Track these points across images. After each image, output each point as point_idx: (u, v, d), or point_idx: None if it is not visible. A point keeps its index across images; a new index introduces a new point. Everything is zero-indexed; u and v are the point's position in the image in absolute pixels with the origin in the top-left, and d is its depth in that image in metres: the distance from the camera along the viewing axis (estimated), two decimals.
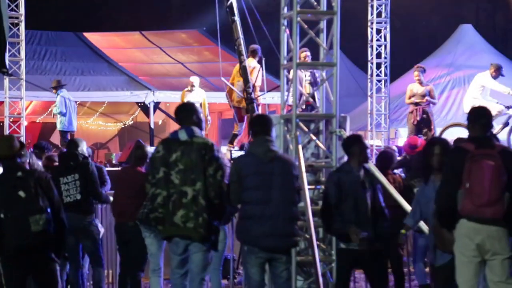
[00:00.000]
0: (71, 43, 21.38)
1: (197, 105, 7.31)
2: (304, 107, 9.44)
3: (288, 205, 6.31)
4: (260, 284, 6.36)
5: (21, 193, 5.94)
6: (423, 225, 7.06)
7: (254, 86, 11.84)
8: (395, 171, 8.96)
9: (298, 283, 7.03)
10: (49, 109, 18.24)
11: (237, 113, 12.61)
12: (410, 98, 14.19)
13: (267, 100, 16.24)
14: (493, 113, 13.61)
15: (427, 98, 13.93)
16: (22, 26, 15.34)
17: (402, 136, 16.22)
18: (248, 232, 6.28)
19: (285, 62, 7.84)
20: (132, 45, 22.24)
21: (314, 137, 7.57)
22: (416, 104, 14.05)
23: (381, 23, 16.74)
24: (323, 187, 7.05)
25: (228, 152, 11.65)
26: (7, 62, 9.60)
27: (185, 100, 13.46)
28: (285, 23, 7.85)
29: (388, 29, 16.67)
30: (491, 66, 13.73)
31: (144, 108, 18.62)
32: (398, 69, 19.36)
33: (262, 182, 6.24)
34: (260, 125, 6.48)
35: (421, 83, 14.18)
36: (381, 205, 6.63)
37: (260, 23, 11.49)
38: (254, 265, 6.30)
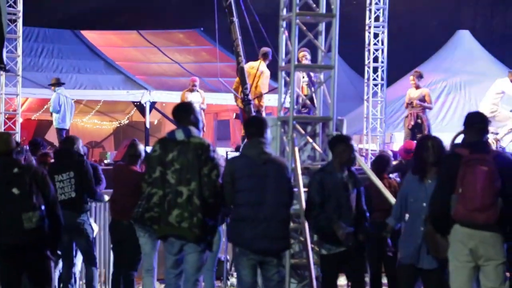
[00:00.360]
0: (68, 40, 21.38)
1: (196, 105, 7.29)
2: (301, 109, 9.44)
3: (281, 208, 6.28)
4: (252, 286, 6.32)
5: (15, 190, 5.92)
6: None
7: (260, 92, 11.85)
8: (391, 175, 8.95)
9: (292, 286, 7.04)
10: (45, 107, 18.23)
11: (243, 115, 12.57)
12: (407, 102, 14.23)
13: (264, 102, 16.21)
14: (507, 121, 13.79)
15: (416, 102, 13.91)
16: (20, 22, 15.36)
17: (397, 141, 16.21)
18: (240, 234, 6.25)
19: (283, 64, 7.84)
20: (129, 44, 22.25)
21: (310, 140, 7.57)
22: (411, 108, 14.08)
23: (378, 27, 16.76)
24: None
25: (225, 154, 11.62)
26: (4, 58, 9.58)
27: (186, 100, 13.42)
28: (284, 25, 7.85)
29: (385, 33, 16.69)
30: (509, 74, 14.13)
31: (140, 107, 18.60)
32: (395, 73, 19.39)
33: (255, 184, 6.21)
34: (255, 127, 6.43)
35: (417, 87, 14.19)
36: (363, 208, 6.62)
37: (258, 24, 11.47)
38: (246, 267, 6.27)
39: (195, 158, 6.20)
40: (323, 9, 7.79)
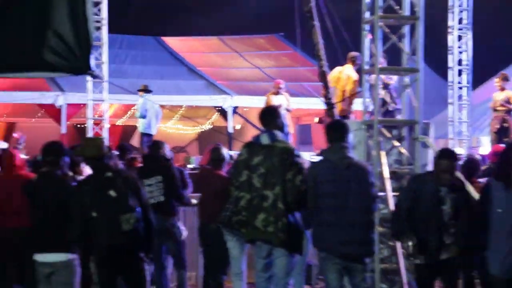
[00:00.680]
0: (151, 47, 21.77)
1: (282, 109, 7.30)
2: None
3: (364, 213, 6.21)
4: None
5: (112, 193, 6.00)
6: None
7: (348, 97, 11.79)
8: (480, 179, 8.76)
9: None
10: (129, 112, 18.58)
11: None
12: (493, 105, 13.97)
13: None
14: None
15: (500, 102, 13.65)
16: (105, 29, 15.58)
17: (484, 145, 15.88)
18: (323, 239, 6.22)
19: (367, 67, 7.80)
20: (211, 50, 22.49)
21: (396, 143, 7.49)
22: (497, 111, 13.81)
23: (462, 29, 16.49)
24: None
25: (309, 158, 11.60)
26: (92, 64, 9.78)
27: (271, 103, 13.41)
28: (366, 28, 7.81)
29: (470, 35, 16.41)
30: None
31: (222, 112, 18.76)
32: (478, 76, 19.00)
33: (338, 189, 6.16)
34: (336, 131, 6.36)
35: (502, 90, 13.91)
36: (461, 224, 6.24)
37: (339, 28, 11.44)
38: (332, 271, 6.23)
39: (280, 162, 6.22)
40: (406, 11, 7.71)
